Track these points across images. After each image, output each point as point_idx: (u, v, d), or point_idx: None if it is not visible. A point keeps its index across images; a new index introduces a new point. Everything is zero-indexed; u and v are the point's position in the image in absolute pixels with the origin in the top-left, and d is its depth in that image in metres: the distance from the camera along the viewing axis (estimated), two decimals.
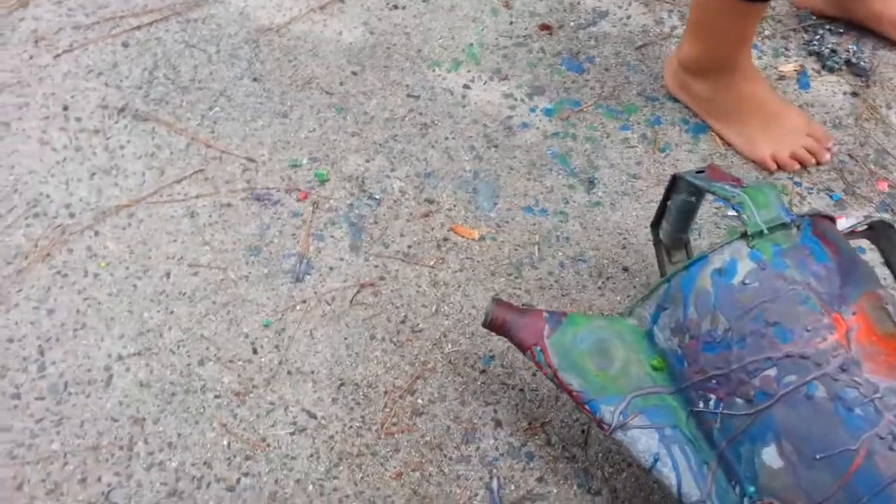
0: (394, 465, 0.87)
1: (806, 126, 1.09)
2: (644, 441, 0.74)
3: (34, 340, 0.90)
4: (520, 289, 1.00)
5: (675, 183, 0.86)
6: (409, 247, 1.02)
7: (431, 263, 1.01)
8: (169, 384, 0.89)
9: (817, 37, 1.21)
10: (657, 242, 0.96)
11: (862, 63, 1.16)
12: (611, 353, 0.78)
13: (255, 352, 0.92)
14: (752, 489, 0.70)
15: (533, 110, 1.14)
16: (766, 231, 0.73)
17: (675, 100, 1.14)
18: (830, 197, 1.06)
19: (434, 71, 1.16)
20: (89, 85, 1.09)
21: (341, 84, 1.13)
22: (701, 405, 0.73)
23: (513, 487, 0.87)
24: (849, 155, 1.10)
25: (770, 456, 0.69)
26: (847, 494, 0.66)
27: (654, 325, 0.79)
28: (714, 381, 0.72)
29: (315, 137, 1.08)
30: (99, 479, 0.83)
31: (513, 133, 1.12)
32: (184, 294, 0.94)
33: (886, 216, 1.05)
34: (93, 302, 0.93)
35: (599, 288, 1.01)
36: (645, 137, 1.12)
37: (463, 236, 1.04)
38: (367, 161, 1.08)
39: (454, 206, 1.05)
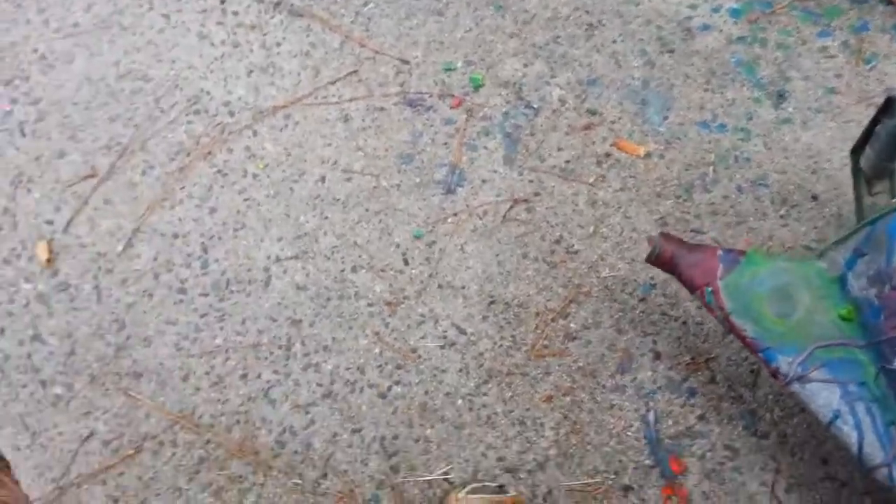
0: (544, 387, 0.85)
1: None
2: (825, 395, 0.67)
3: (198, 238, 0.93)
4: (689, 213, 0.91)
5: (889, 105, 0.73)
6: (568, 161, 0.94)
7: (591, 181, 0.93)
8: (324, 289, 0.89)
9: None
10: (856, 170, 0.83)
11: None
12: (794, 299, 0.71)
13: (406, 263, 0.90)
14: None
15: (716, 10, 1.00)
16: None
17: (889, 2, 0.97)
18: None
19: None
20: None
21: None
22: (893, 363, 0.66)
23: (670, 423, 0.82)
24: None
25: None
26: None
27: (849, 271, 0.70)
28: None
29: (471, 38, 1.01)
30: (259, 376, 0.86)
31: (691, 36, 0.99)
32: (338, 200, 0.93)
33: None
34: (252, 203, 0.93)
35: (782, 217, 0.90)
36: (847, 46, 0.96)
37: (627, 152, 0.95)
38: (526, 65, 0.99)
39: (619, 118, 0.96)
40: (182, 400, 0.85)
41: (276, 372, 0.86)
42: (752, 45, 0.98)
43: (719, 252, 0.74)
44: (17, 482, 0.85)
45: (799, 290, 0.71)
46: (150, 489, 0.82)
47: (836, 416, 0.67)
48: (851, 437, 0.66)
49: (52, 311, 0.91)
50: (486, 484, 0.79)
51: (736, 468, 0.79)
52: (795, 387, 0.68)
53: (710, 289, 0.72)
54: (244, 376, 0.86)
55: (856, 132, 0.92)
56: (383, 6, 1.03)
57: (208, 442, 0.83)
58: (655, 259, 0.76)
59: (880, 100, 0.94)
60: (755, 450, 0.79)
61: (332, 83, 0.99)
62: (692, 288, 0.74)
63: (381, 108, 0.98)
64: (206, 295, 0.90)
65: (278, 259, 0.91)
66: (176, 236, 0.93)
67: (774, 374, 0.70)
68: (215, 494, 0.82)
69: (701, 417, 0.81)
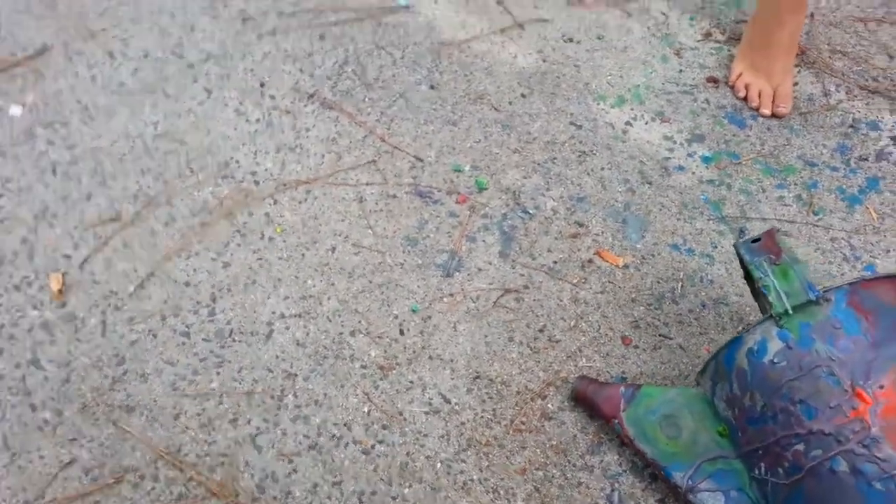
0: (519, 460, 0.88)
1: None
2: (712, 503, 0.79)
3: (208, 287, 0.97)
4: (658, 320, 1.00)
5: (736, 250, 0.87)
6: (555, 262, 1.04)
7: (574, 281, 1.02)
8: (322, 347, 0.93)
9: None
10: (754, 292, 0.94)
11: None
12: (680, 424, 0.85)
13: (401, 333, 0.96)
14: None
15: (691, 155, 1.15)
16: (790, 312, 0.76)
17: (834, 168, 1.13)
18: None
19: (599, 104, 1.19)
20: (285, 68, 1.18)
21: (510, 103, 1.18)
22: (756, 472, 0.78)
23: (632, 503, 0.86)
24: None
25: None
26: None
27: (713, 396, 0.84)
28: (760, 451, 0.77)
29: (479, 148, 1.13)
30: (248, 422, 0.88)
31: (668, 173, 1.13)
32: (344, 270, 1.00)
33: None
34: (265, 262, 0.99)
35: (738, 332, 0.99)
36: (800, 198, 1.11)
37: (608, 261, 1.05)
38: (525, 177, 1.11)
39: (602, 231, 1.07)
40: (170, 437, 0.86)
41: (265, 420, 0.88)
42: (720, 188, 1.12)
43: (621, 389, 0.88)
44: None
45: (683, 416, 0.85)
46: None
47: None
48: None
49: (55, 339, 0.92)
50: None
51: None
52: (690, 497, 0.80)
53: (616, 420, 0.87)
54: (234, 420, 0.88)
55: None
56: (405, 111, 1.16)
57: (190, 479, 0.83)
58: (575, 396, 0.91)
59: (827, 245, 1.07)
60: None
61: (352, 168, 1.09)
62: (605, 419, 0.88)
63: (394, 196, 1.07)
64: (208, 340, 0.93)
65: (282, 315, 0.95)
66: (188, 284, 0.97)
67: (673, 488, 0.82)
68: None
69: (661, 501, 0.85)
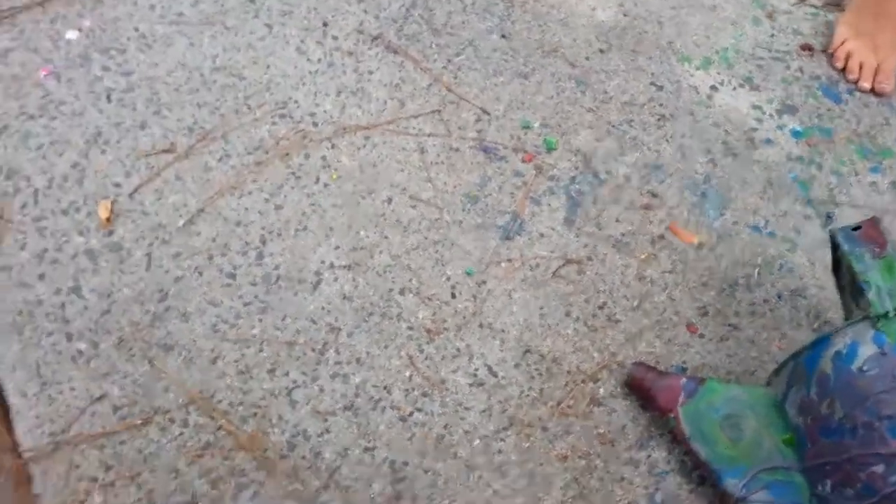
0: (561, 446, 0.81)
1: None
2: None
3: (258, 230, 0.90)
4: (729, 308, 0.90)
5: (832, 236, 0.74)
6: (623, 234, 0.94)
7: (642, 257, 0.92)
8: (369, 303, 0.86)
9: None
10: (840, 288, 0.82)
11: None
12: (742, 426, 0.75)
13: (453, 296, 0.88)
14: None
15: (780, 128, 1.02)
16: (891, 314, 0.66)
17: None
18: None
19: (683, 66, 1.07)
20: (350, 8, 1.08)
21: (586, 59, 1.06)
22: (819, 488, 0.69)
23: None
24: None
25: None
26: None
27: (785, 400, 0.74)
28: (828, 467, 0.68)
29: (551, 104, 1.02)
30: (287, 374, 0.82)
31: (754, 146, 1.01)
32: (400, 223, 0.92)
33: None
34: (318, 208, 0.92)
35: (814, 330, 0.88)
36: (895, 185, 0.98)
37: (680, 238, 0.94)
38: (598, 140, 1.00)
39: (678, 205, 0.96)
40: (205, 381, 0.81)
41: (304, 373, 0.82)
42: (809, 166, 0.99)
43: (683, 380, 0.78)
44: (10, 429, 0.79)
45: (747, 417, 0.75)
46: (147, 464, 0.77)
47: None
48: None
49: (98, 268, 0.87)
50: None
51: None
52: None
53: (672, 415, 0.77)
54: (272, 371, 0.82)
55: None
56: (474, 60, 1.05)
57: (219, 428, 0.78)
58: (630, 383, 0.82)
59: None
60: None
61: (415, 117, 0.99)
62: (661, 412, 0.78)
63: (457, 149, 0.98)
64: (254, 284, 0.87)
65: (332, 266, 0.88)
66: (238, 224, 0.90)
67: (721, 495, 0.73)
68: (212, 483, 0.76)
69: None
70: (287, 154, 0.95)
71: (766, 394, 0.76)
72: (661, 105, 1.03)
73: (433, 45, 1.06)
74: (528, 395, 0.83)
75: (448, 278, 0.89)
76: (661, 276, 0.91)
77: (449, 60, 1.05)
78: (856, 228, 0.73)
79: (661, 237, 0.94)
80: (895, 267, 0.69)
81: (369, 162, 0.95)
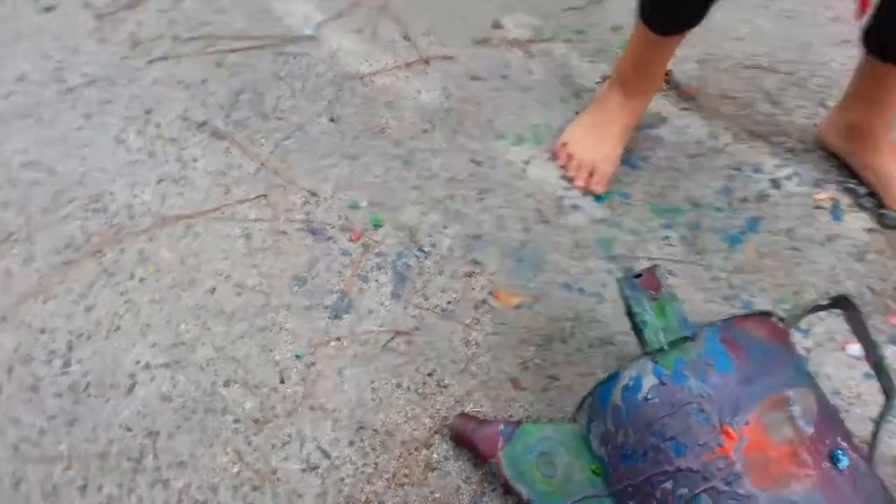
0: None
1: None
2: None
3: (65, 335, 0.78)
4: (548, 361, 0.88)
5: (619, 286, 0.76)
6: (449, 303, 0.90)
7: (467, 322, 0.89)
8: (191, 401, 0.76)
9: (852, 181, 1.11)
10: (633, 330, 0.83)
11: (891, 214, 1.06)
12: (555, 462, 0.74)
13: (282, 381, 0.80)
14: None
15: (585, 195, 1.03)
16: (665, 348, 0.67)
17: (718, 209, 1.04)
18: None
19: (500, 143, 1.07)
20: (175, 95, 1.00)
21: (411, 139, 1.04)
22: None
23: None
24: (868, 288, 0.99)
25: None
26: None
27: (589, 433, 0.74)
28: (630, 489, 0.68)
29: (378, 184, 0.98)
30: (100, 489, 0.70)
31: (563, 213, 1.01)
32: (224, 312, 0.83)
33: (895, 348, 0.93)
34: (133, 306, 0.81)
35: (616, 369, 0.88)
36: (685, 239, 1.01)
37: (501, 301, 0.92)
38: (423, 214, 0.97)
39: (497, 271, 0.94)
40: None
41: (119, 486, 0.70)
42: (611, 227, 1.01)
43: (501, 426, 0.76)
44: None
45: (559, 453, 0.74)
46: None
47: None
48: None
49: None
50: None
51: None
52: None
53: (493, 460, 0.74)
54: (83, 488, 0.69)
55: (687, 310, 0.94)
56: (302, 143, 1.00)
57: None
58: (454, 436, 0.79)
59: (709, 284, 0.98)
60: None
61: (241, 203, 0.92)
62: (483, 459, 0.75)
63: (284, 232, 0.91)
64: (59, 396, 0.74)
65: (148, 366, 0.77)
66: (43, 331, 0.78)
67: None
68: None
69: None
70: (99, 251, 0.84)
71: (573, 429, 0.75)
72: (480, 179, 1.02)
73: (261, 130, 1.00)
74: (363, 472, 0.76)
75: (276, 363, 0.81)
76: (486, 338, 0.88)
77: (277, 145, 0.99)
78: (637, 276, 0.74)
79: (484, 302, 0.91)
80: (666, 308, 0.70)
81: (191, 252, 0.86)
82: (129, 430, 0.73)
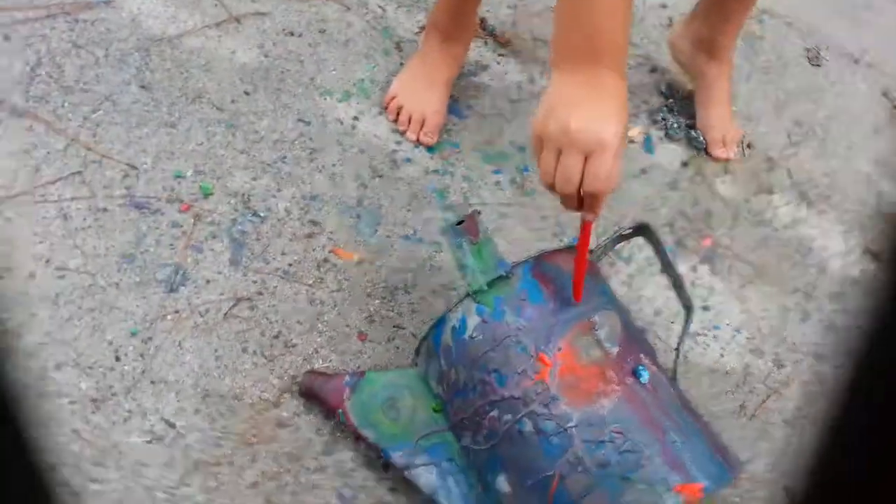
0: (250, 474, 0.84)
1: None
2: (425, 477, 0.82)
3: None
4: (393, 311, 1.00)
5: (443, 233, 0.90)
6: (290, 265, 0.99)
7: (310, 282, 0.99)
8: (21, 388, 0.80)
9: (662, 112, 1.31)
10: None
11: (700, 138, 1.27)
12: (399, 406, 0.86)
13: (117, 359, 0.86)
14: None
15: (417, 147, 1.16)
16: (485, 288, 0.80)
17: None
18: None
19: (325, 100, 1.15)
20: None
21: (232, 102, 1.10)
22: (462, 441, 0.82)
23: (364, 496, 0.85)
24: (681, 213, 1.20)
25: (502, 483, 0.77)
26: None
27: (427, 375, 0.86)
28: (465, 422, 0.80)
29: (202, 151, 1.04)
30: None
31: (397, 166, 1.13)
32: (48, 297, 0.87)
33: (707, 267, 1.15)
34: None
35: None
36: (514, 182, 1.17)
37: (343, 258, 1.02)
38: (254, 179, 1.04)
39: (337, 229, 1.04)
40: None
41: None
42: (444, 176, 1.14)
43: (346, 378, 0.87)
44: None
45: (404, 396, 0.86)
46: None
47: (435, 490, 0.81)
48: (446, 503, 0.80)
49: None
50: None
51: None
52: (407, 474, 0.82)
53: (340, 411, 0.85)
54: None
55: (520, 249, 1.10)
56: (113, 114, 1.03)
57: None
58: (303, 392, 0.89)
59: (538, 224, 1.14)
60: None
61: (53, 182, 0.94)
62: (332, 411, 0.86)
63: (105, 209, 0.95)
64: None
65: None
66: None
67: (388, 466, 0.84)
68: None
69: (392, 490, 0.85)
70: None
71: (414, 373, 0.87)
72: (310, 139, 1.11)
73: (66, 104, 1.02)
74: (211, 437, 0.85)
75: (110, 343, 0.86)
76: (330, 295, 0.98)
77: (85, 118, 1.01)
78: (459, 223, 0.86)
79: (326, 261, 1.01)
80: (483, 251, 0.82)
81: (3, 239, 0.89)
82: None
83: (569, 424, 0.74)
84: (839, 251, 1.24)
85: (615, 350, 0.79)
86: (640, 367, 0.78)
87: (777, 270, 1.18)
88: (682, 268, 1.15)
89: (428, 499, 0.81)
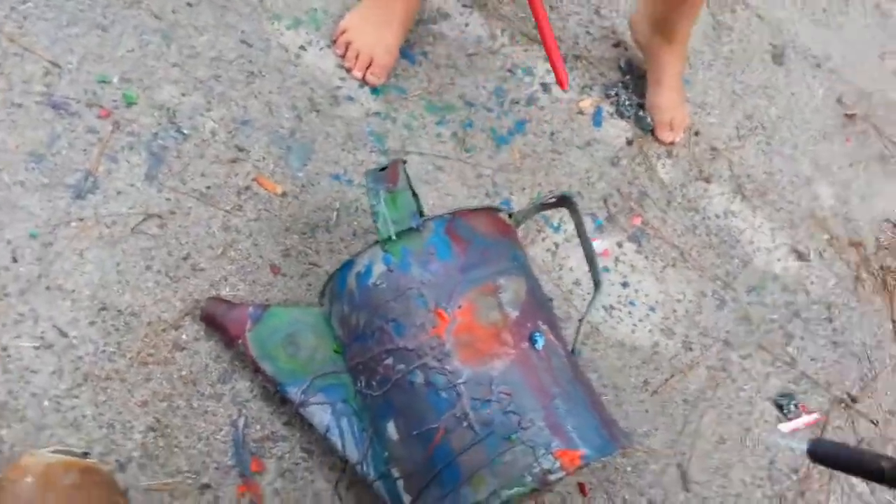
0: (141, 393, 0.84)
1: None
2: (319, 415, 0.83)
3: None
4: (310, 248, 0.99)
5: (366, 177, 0.88)
6: (209, 187, 0.97)
7: (228, 208, 0.97)
8: None
9: (617, 88, 1.30)
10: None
11: (648, 119, 1.28)
12: (300, 343, 0.86)
13: (14, 260, 0.84)
14: (385, 455, 0.79)
15: (361, 86, 1.13)
16: (394, 237, 0.80)
17: (489, 109, 1.19)
18: (595, 221, 1.16)
19: (273, 24, 1.12)
20: None
21: (173, 12, 1.06)
22: (358, 385, 0.83)
23: (258, 427, 0.87)
24: (617, 190, 1.21)
25: (391, 430, 0.79)
26: (429, 465, 0.76)
27: (330, 315, 0.87)
28: (361, 366, 0.81)
29: (132, 58, 1.00)
30: None
31: (337, 103, 1.11)
32: None
33: (633, 245, 1.17)
34: None
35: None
36: (456, 136, 1.16)
37: (266, 189, 1.01)
38: (184, 95, 1.01)
39: (264, 158, 1.02)
40: None
41: None
42: (385, 121, 1.12)
43: (249, 309, 0.87)
44: None
45: (305, 335, 0.87)
46: None
47: (328, 429, 0.82)
48: (338, 443, 0.82)
49: None
50: (71, 449, 0.74)
51: (308, 468, 0.86)
52: (301, 410, 0.84)
53: (240, 341, 0.86)
54: None
55: (449, 204, 1.10)
56: (44, 9, 0.98)
57: None
58: (204, 317, 0.88)
59: (474, 182, 1.14)
60: (325, 452, 0.87)
61: None
62: (231, 340, 0.86)
63: (20, 105, 0.92)
64: None
65: None
66: None
67: (285, 401, 0.86)
68: None
69: (287, 423, 0.87)
70: None
71: (318, 313, 0.87)
72: (250, 62, 1.08)
73: None
74: (104, 351, 0.84)
75: (8, 242, 0.85)
76: (247, 224, 0.97)
77: (13, 8, 0.97)
78: (382, 169, 0.85)
79: (248, 188, 1.00)
80: (399, 200, 0.82)
81: None
82: None
83: (458, 381, 0.75)
84: (766, 247, 1.27)
85: (515, 314, 0.80)
86: (537, 334, 0.80)
87: (700, 257, 1.21)
88: (609, 242, 1.17)
89: (321, 436, 0.82)
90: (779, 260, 1.26)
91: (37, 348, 0.81)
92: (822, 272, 1.27)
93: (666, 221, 1.22)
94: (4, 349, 0.80)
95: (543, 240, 1.13)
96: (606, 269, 1.15)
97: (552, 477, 0.72)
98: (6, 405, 0.77)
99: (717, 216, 1.26)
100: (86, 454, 0.75)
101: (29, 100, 0.92)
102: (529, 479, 0.72)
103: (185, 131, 0.99)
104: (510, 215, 0.91)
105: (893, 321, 1.29)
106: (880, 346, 1.24)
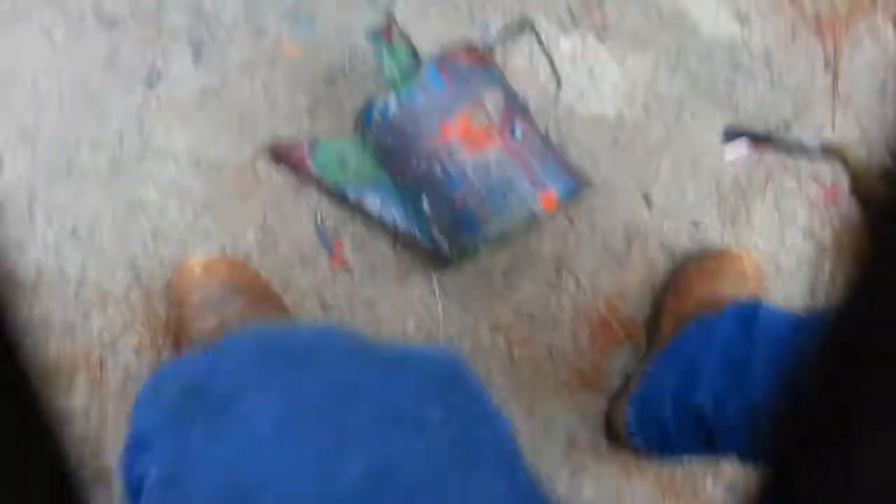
0: (243, 211, 1.14)
1: None
2: (372, 205, 1.15)
3: None
4: (335, 93, 1.25)
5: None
6: (244, 61, 1.22)
7: (263, 74, 1.22)
8: (54, 159, 1.07)
9: None
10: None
11: None
12: (347, 161, 1.17)
13: (121, 142, 1.12)
14: (425, 221, 1.12)
15: None
16: (399, 80, 1.09)
17: None
18: (561, 25, 1.39)
19: None
20: None
21: None
22: (395, 182, 1.14)
23: (335, 215, 1.18)
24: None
25: (425, 204, 1.12)
26: (456, 220, 1.10)
27: (364, 142, 1.16)
28: (395, 170, 1.13)
29: None
30: None
31: None
32: (50, 108, 1.10)
33: (598, 41, 1.39)
34: None
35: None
36: None
37: (289, 53, 1.25)
38: None
39: (278, 29, 1.26)
40: None
41: None
42: None
43: (304, 143, 1.16)
44: None
45: (350, 155, 1.16)
46: None
47: (380, 212, 1.15)
48: (390, 221, 1.14)
49: None
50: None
51: (373, 238, 1.17)
52: (360, 205, 1.15)
53: (304, 168, 1.16)
54: None
55: (437, 36, 1.33)
56: None
57: None
58: (272, 155, 1.17)
59: (452, 15, 1.36)
60: (381, 229, 1.18)
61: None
62: (296, 168, 1.16)
63: (80, 29, 1.16)
64: None
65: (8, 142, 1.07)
66: None
67: (352, 204, 1.16)
68: None
69: (350, 216, 1.16)
70: None
71: (357, 139, 1.16)
72: None
73: None
74: (210, 187, 1.14)
75: (114, 130, 1.12)
76: (282, 84, 1.23)
77: None
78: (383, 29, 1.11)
79: (274, 56, 1.24)
80: (396, 52, 1.09)
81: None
82: None
83: (465, 166, 1.05)
84: (711, 17, 1.48)
85: (497, 117, 1.08)
86: (516, 128, 1.08)
87: (655, 38, 1.43)
88: (575, 40, 1.39)
89: (376, 220, 1.13)
90: (722, 25, 1.47)
91: (162, 197, 1.11)
92: (763, 27, 1.48)
93: (625, 14, 1.43)
94: (140, 201, 1.10)
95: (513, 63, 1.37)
96: (575, 62, 1.38)
97: (537, 211, 1.03)
98: (156, 231, 1.10)
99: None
100: None
101: (87, 21, 1.17)
102: (524, 213, 1.03)
103: (211, 23, 1.23)
104: (486, 49, 1.17)
105: (825, 57, 1.51)
106: (812, 82, 1.48)
